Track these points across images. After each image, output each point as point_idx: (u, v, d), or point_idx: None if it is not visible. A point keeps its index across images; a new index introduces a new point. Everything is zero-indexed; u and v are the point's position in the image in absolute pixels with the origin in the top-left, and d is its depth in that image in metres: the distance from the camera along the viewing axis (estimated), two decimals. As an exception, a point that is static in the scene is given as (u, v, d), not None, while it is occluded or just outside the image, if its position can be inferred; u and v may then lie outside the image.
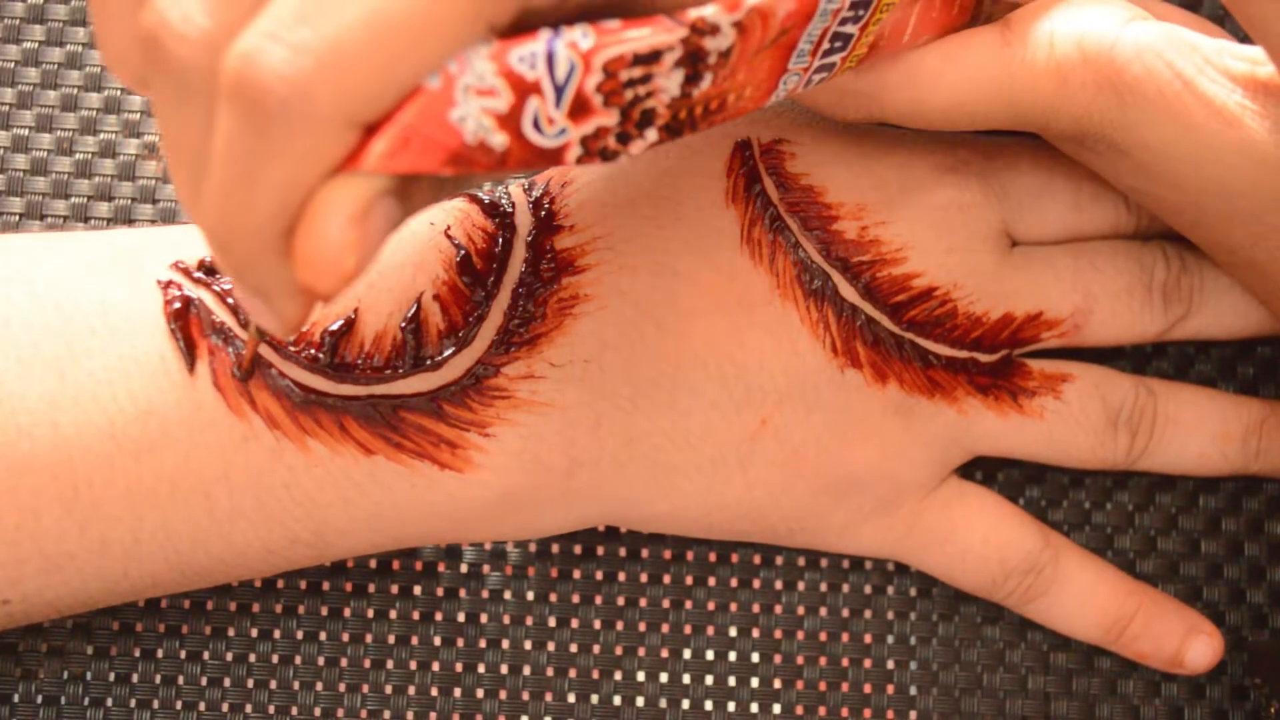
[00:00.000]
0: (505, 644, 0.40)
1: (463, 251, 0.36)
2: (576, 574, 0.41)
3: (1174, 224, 0.37)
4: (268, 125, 0.24)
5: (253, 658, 0.40)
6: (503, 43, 0.25)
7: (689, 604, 0.41)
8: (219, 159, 0.25)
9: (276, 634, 0.40)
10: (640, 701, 0.40)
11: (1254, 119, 0.33)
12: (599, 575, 0.41)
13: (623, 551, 0.41)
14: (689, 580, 0.41)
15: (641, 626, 0.41)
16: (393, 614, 0.40)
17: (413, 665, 0.40)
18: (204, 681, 0.40)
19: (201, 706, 0.40)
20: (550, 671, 0.40)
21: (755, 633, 0.41)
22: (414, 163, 0.26)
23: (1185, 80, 0.33)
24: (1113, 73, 0.33)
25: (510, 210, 0.36)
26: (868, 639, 0.41)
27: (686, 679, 0.40)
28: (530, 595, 0.41)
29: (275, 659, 0.40)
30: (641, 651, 0.40)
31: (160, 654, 0.40)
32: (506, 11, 0.25)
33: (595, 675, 0.40)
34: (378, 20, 0.24)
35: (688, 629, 0.41)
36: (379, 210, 0.26)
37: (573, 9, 0.27)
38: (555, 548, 0.41)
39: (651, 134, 0.28)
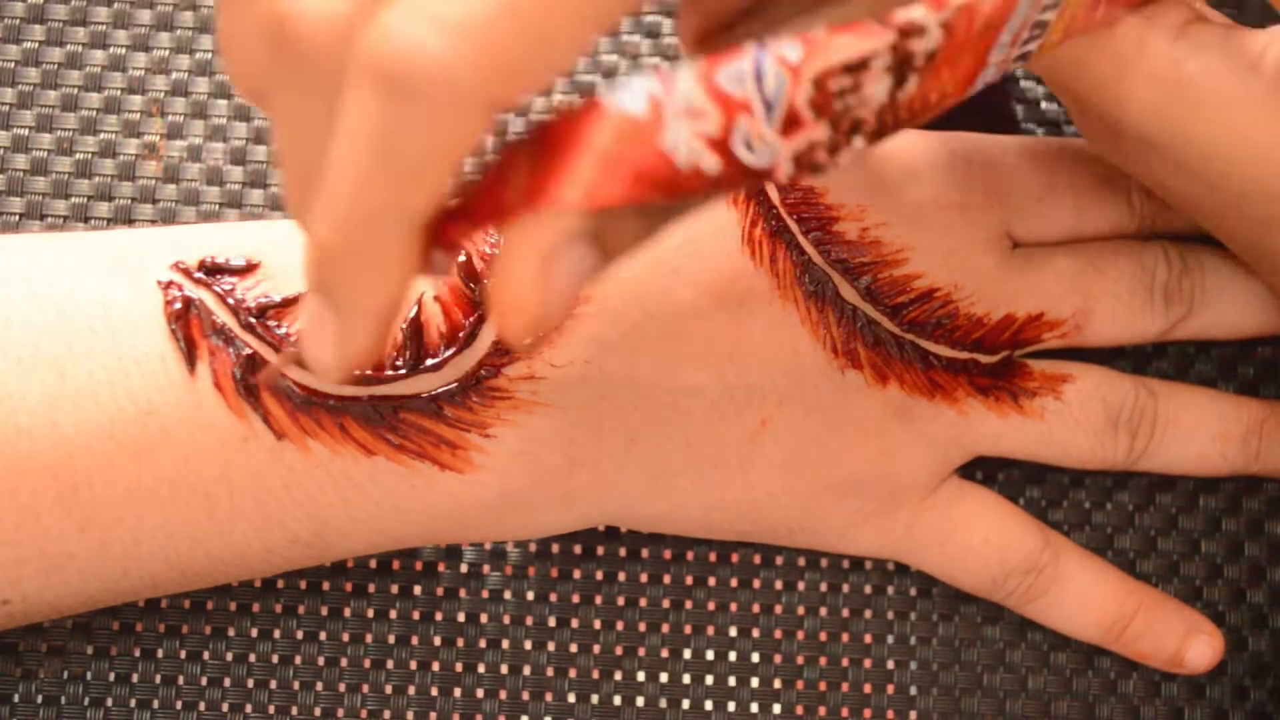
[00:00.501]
0: (505, 644, 0.40)
1: (463, 253, 0.36)
2: (576, 574, 0.41)
3: (1209, 227, 0.36)
4: (407, 104, 0.23)
5: (253, 658, 0.40)
6: (709, 61, 0.24)
7: (689, 604, 0.41)
8: (347, 140, 0.24)
9: (276, 634, 0.40)
10: (640, 701, 0.40)
11: None
12: (599, 575, 0.41)
13: (623, 551, 0.41)
14: (689, 580, 0.41)
15: (641, 626, 0.41)
16: (393, 614, 0.40)
17: (413, 665, 0.40)
18: (204, 681, 0.40)
19: (201, 706, 0.40)
20: (550, 671, 0.40)
21: (755, 633, 0.41)
22: (625, 193, 0.24)
23: (1237, 78, 0.32)
24: (1168, 65, 0.33)
25: (511, 211, 0.36)
26: (868, 639, 0.41)
27: (686, 679, 0.40)
28: (530, 595, 0.41)
29: (275, 659, 0.40)
30: (641, 651, 0.40)
31: (160, 654, 0.40)
32: None
33: (595, 675, 0.40)
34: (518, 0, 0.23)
35: (688, 629, 0.41)
36: (572, 254, 0.25)
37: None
38: (555, 548, 0.41)
39: (859, 142, 0.27)
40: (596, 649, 0.40)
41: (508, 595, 0.40)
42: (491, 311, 0.25)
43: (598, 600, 0.41)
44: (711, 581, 0.41)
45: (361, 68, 0.23)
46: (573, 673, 0.40)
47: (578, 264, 0.25)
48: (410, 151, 0.23)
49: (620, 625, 0.40)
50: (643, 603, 0.41)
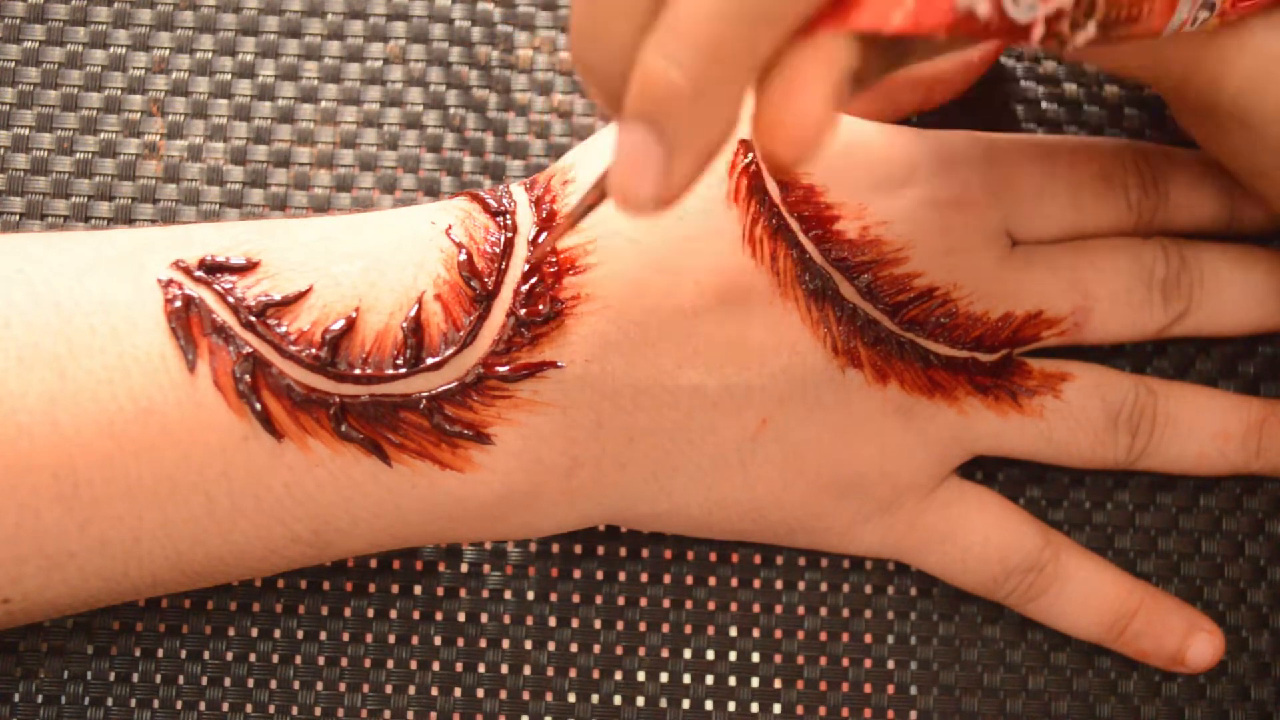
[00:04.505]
0: (505, 643, 0.40)
1: (464, 251, 0.36)
2: (576, 574, 0.41)
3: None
4: None
5: (253, 657, 0.40)
6: None
7: (689, 604, 0.41)
8: None
9: (276, 633, 0.40)
10: (640, 701, 0.40)
11: None
12: (599, 575, 0.41)
13: (623, 551, 0.41)
14: (689, 580, 0.41)
15: (641, 626, 0.40)
16: (393, 613, 0.40)
17: (413, 665, 0.40)
18: (204, 681, 0.40)
19: (201, 706, 0.40)
20: (550, 671, 0.40)
21: (755, 632, 0.41)
22: (929, 21, 0.27)
23: None
24: (1266, 38, 0.33)
25: (511, 209, 0.36)
26: (868, 639, 0.41)
27: (686, 679, 0.40)
28: (530, 595, 0.40)
29: (275, 658, 0.40)
30: (641, 651, 0.40)
31: (160, 653, 0.40)
32: None
33: (595, 675, 0.40)
34: None
35: (688, 629, 0.41)
36: (846, 91, 0.26)
37: None
38: (555, 547, 0.41)
39: (1092, 27, 0.30)
40: (597, 648, 0.40)
41: (508, 595, 0.40)
42: (762, 135, 0.26)
43: (598, 600, 0.41)
44: (712, 581, 0.41)
45: None
46: (573, 672, 0.40)
47: (848, 98, 0.26)
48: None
49: (620, 625, 0.40)
50: (643, 602, 0.41)
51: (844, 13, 0.26)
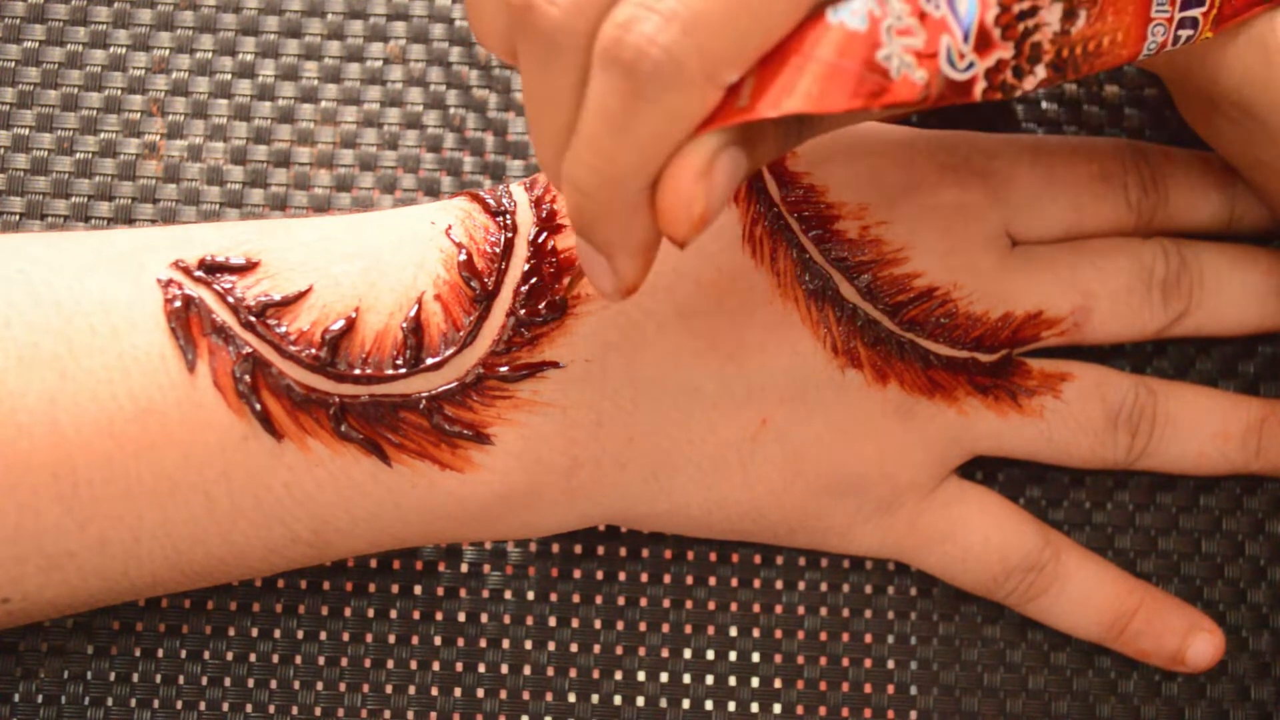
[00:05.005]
0: (505, 643, 0.40)
1: (464, 251, 0.36)
2: (576, 574, 0.41)
3: None
4: (641, 86, 0.27)
5: (253, 657, 0.40)
6: None
7: (689, 604, 0.41)
8: (591, 116, 0.28)
9: (277, 633, 0.40)
10: (640, 701, 0.40)
11: None
12: (599, 575, 0.41)
13: (623, 551, 0.41)
14: (689, 580, 0.41)
15: (641, 626, 0.40)
16: (393, 613, 0.40)
17: (413, 665, 0.40)
18: (204, 681, 0.40)
19: (201, 706, 0.40)
20: (550, 671, 0.40)
21: (755, 632, 0.41)
22: (842, 100, 0.28)
23: None
24: (1266, 32, 0.33)
25: (512, 209, 0.36)
26: (868, 639, 0.41)
27: (686, 679, 0.40)
28: (530, 595, 0.40)
29: (275, 658, 0.40)
30: (641, 651, 0.40)
31: (160, 653, 0.40)
32: None
33: (595, 675, 0.40)
34: None
35: (688, 629, 0.41)
36: (724, 161, 0.28)
37: None
38: (555, 547, 0.41)
39: (1041, 70, 0.30)
40: (597, 648, 0.40)
41: (508, 594, 0.40)
42: (659, 215, 0.29)
43: (598, 600, 0.41)
44: (711, 581, 0.41)
45: (601, 53, 0.27)
46: (573, 672, 0.40)
47: (729, 167, 0.29)
48: (648, 126, 0.28)
49: (620, 624, 0.40)
50: (643, 602, 0.41)
51: (723, 114, 0.28)
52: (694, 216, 0.28)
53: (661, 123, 0.28)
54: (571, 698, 0.40)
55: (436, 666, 0.40)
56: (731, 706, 0.40)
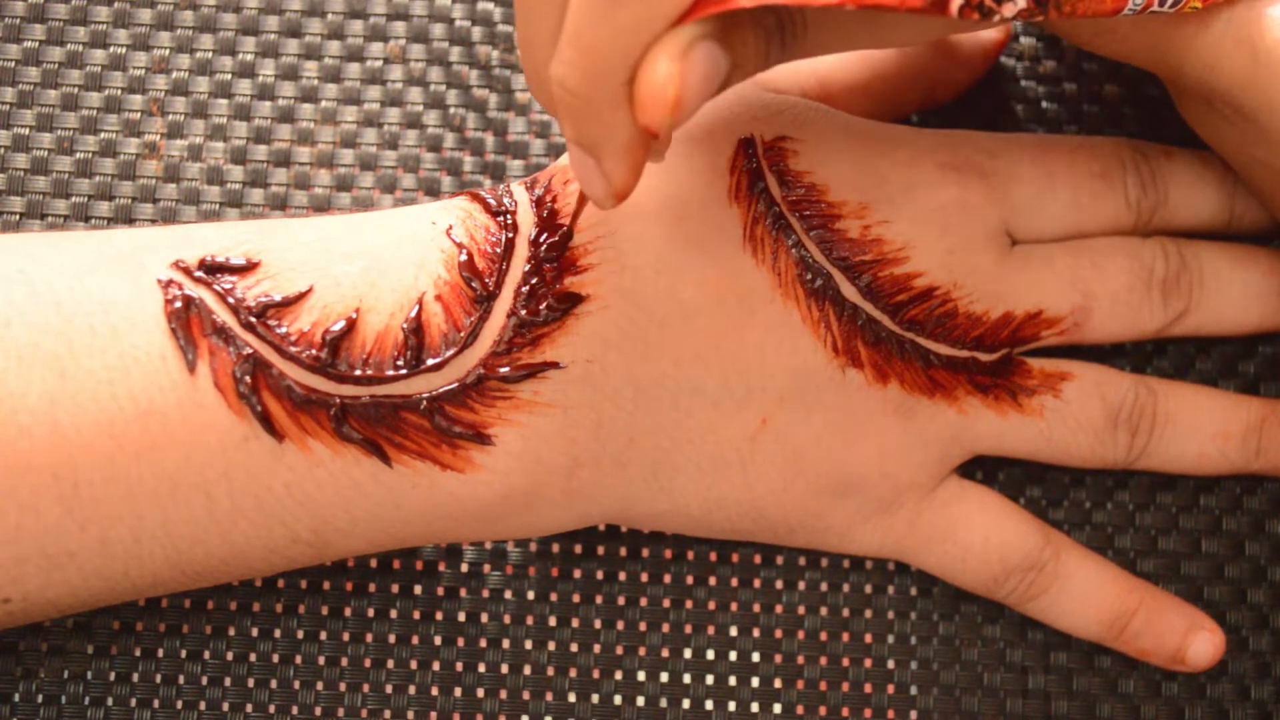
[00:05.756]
0: (505, 643, 0.40)
1: (465, 251, 0.36)
2: (576, 574, 0.41)
3: None
4: None
5: (253, 657, 0.40)
6: None
7: (689, 604, 0.41)
8: (575, 10, 0.29)
9: (277, 633, 0.40)
10: (640, 701, 0.40)
11: None
12: (599, 575, 0.41)
13: (623, 551, 0.41)
14: (689, 580, 0.41)
15: (642, 626, 0.41)
16: (393, 613, 0.40)
17: (413, 664, 0.40)
18: (204, 681, 0.40)
19: (201, 706, 0.40)
20: (550, 671, 0.40)
21: (755, 632, 0.41)
22: None
23: None
24: (1254, 31, 0.33)
25: (512, 209, 0.36)
26: (868, 638, 0.41)
27: (686, 679, 0.40)
28: (530, 595, 0.41)
29: (275, 658, 0.40)
30: (641, 651, 0.40)
31: (160, 653, 0.40)
32: None
33: (595, 675, 0.40)
34: None
35: (688, 628, 0.41)
36: (701, 50, 0.29)
37: None
38: (555, 547, 0.41)
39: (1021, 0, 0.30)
40: (597, 648, 0.40)
41: (508, 594, 0.40)
42: (635, 105, 0.29)
43: (598, 600, 0.41)
44: (712, 581, 0.41)
45: None
46: (573, 672, 0.40)
47: (705, 59, 0.29)
48: (628, 14, 0.28)
49: (620, 624, 0.40)
50: (643, 602, 0.41)
51: (702, 5, 0.28)
52: (668, 100, 0.29)
53: (641, 10, 0.28)
54: (571, 698, 0.40)
55: (436, 666, 0.40)
56: (731, 706, 0.40)
